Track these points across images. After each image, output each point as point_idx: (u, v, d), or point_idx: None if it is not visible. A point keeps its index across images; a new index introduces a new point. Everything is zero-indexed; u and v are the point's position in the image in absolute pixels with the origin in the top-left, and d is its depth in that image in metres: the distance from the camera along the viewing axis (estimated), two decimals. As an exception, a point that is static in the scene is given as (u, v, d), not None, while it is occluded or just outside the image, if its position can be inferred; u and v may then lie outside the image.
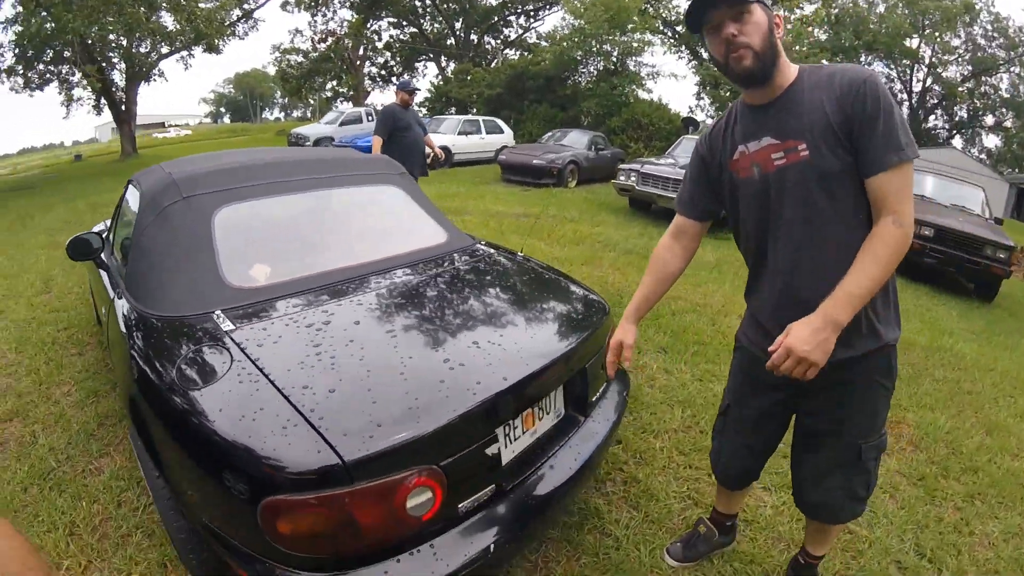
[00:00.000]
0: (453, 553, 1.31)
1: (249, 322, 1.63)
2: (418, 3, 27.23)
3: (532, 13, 27.93)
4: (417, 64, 29.50)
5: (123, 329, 1.83)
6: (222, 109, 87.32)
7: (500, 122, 15.87)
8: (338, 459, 1.17)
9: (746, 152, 1.32)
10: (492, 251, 2.44)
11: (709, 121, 17.26)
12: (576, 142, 12.44)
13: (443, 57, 28.41)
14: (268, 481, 1.18)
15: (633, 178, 8.22)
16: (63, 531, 1.99)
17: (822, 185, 1.21)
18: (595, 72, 19.45)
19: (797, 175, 1.23)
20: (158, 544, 1.90)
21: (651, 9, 19.81)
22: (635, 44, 18.34)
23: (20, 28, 15.59)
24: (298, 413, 1.27)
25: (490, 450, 1.43)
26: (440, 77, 26.62)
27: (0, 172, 30.56)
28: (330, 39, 25.84)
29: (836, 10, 20.53)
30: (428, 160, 5.74)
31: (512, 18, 28.48)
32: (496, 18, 27.89)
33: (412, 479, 1.25)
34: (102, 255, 2.52)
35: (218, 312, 1.65)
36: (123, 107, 19.90)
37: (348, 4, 25.94)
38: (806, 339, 1.16)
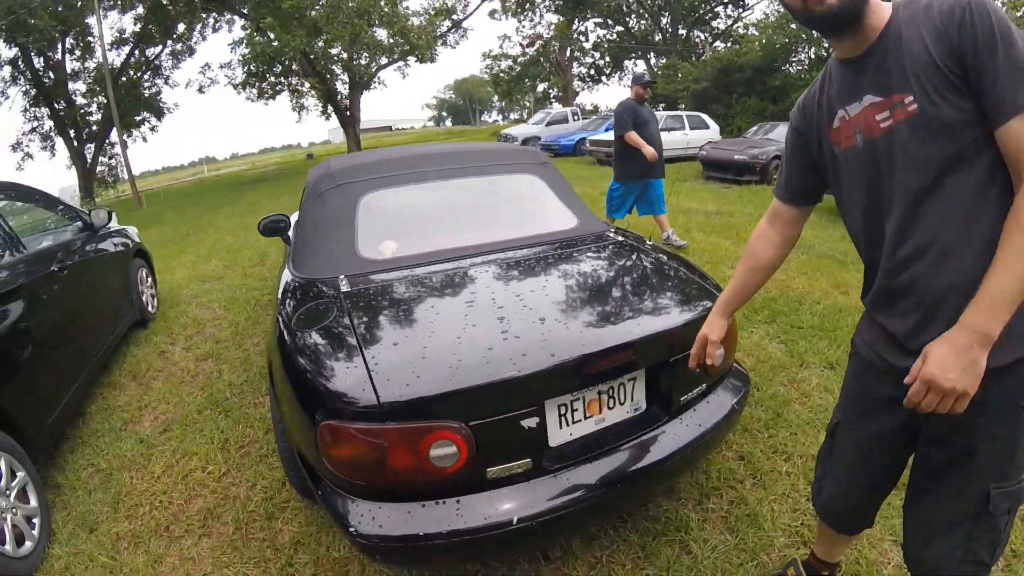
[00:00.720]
0: (474, 513, 1.33)
1: (362, 285, 1.87)
2: (623, 1, 27.00)
3: (740, 1, 25.68)
4: (626, 63, 29.34)
5: (279, 288, 2.23)
6: (443, 113, 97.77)
7: (706, 117, 14.94)
8: (375, 398, 1.29)
9: (847, 118, 1.06)
10: (620, 238, 2.37)
11: None
12: (784, 136, 11.06)
13: (652, 54, 27.75)
14: (326, 407, 1.36)
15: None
16: (217, 444, 2.52)
17: (939, 143, 0.92)
18: (807, 61, 17.12)
19: (908, 134, 0.95)
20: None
21: None
22: None
23: (247, 49, 18.45)
24: (362, 358, 1.42)
25: (528, 423, 1.41)
26: (648, 74, 26.11)
27: (242, 168, 39.06)
28: (537, 43, 27.21)
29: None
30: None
31: (720, 8, 26.58)
32: (703, 9, 26.28)
33: (437, 430, 1.30)
34: (288, 233, 3.06)
35: (342, 276, 1.93)
36: (347, 113, 23.06)
37: (553, 8, 26.88)
38: (950, 364, 0.90)
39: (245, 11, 18.75)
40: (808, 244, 5.66)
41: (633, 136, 4.83)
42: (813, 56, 17.04)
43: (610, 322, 1.66)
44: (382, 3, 18.94)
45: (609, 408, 1.60)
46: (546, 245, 2.23)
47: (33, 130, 20.60)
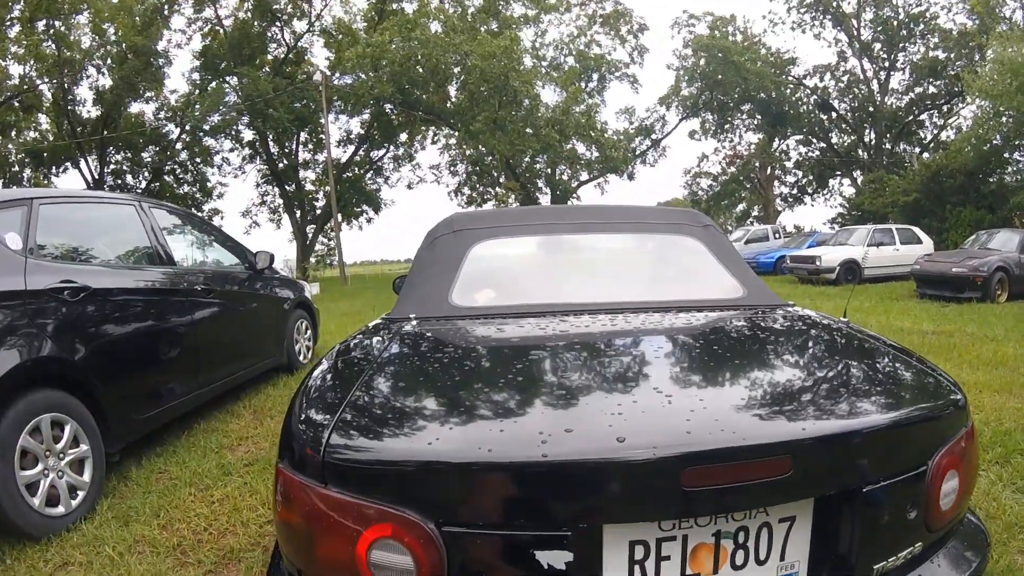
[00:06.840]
0: None
1: (427, 328, 1.65)
2: (824, 116, 25.53)
3: (943, 107, 22.77)
4: (831, 181, 27.20)
5: None
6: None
7: (918, 231, 13.20)
8: (321, 447, 0.95)
9: None
10: (806, 313, 1.79)
11: None
12: (1005, 244, 9.21)
13: (857, 171, 25.45)
14: (285, 445, 1.06)
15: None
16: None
17: None
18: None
19: None
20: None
21: None
22: None
23: (459, 149, 21.66)
24: (348, 396, 1.12)
25: (555, 558, 0.89)
26: (854, 189, 23.99)
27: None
28: (737, 161, 26.92)
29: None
30: None
31: (924, 117, 23.92)
32: (909, 117, 23.76)
33: (383, 520, 0.89)
34: None
35: (412, 315, 1.71)
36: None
37: (752, 127, 26.38)
38: None
39: (454, 123, 21.45)
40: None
41: None
42: (1032, 154, 14.18)
43: (762, 411, 1.09)
44: (576, 114, 20.29)
45: (735, 567, 0.96)
46: (693, 310, 1.74)
47: (263, 203, 25.68)
